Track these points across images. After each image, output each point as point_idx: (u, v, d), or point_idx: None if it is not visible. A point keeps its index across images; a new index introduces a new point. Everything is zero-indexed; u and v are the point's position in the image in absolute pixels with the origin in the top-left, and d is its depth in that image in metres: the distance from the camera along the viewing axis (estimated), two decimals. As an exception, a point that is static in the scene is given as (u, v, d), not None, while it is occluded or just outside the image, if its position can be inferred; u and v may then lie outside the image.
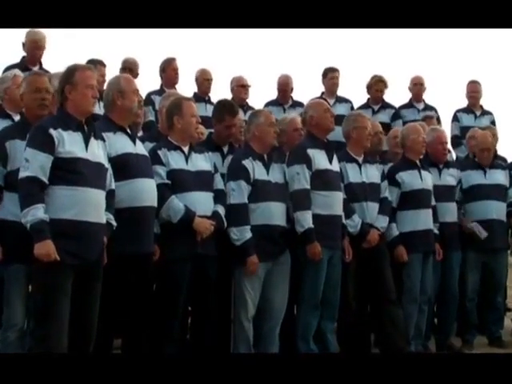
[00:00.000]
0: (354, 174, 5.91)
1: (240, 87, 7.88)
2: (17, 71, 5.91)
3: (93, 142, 4.32)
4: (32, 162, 4.10)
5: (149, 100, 7.32)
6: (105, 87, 5.19)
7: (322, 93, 8.30)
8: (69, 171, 4.15)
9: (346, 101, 8.28)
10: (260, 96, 8.43)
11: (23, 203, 4.09)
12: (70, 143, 4.19)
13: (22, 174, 4.12)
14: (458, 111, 8.51)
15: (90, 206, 4.19)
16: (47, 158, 4.12)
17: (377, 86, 8.29)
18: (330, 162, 5.68)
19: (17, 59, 7.18)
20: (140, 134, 5.64)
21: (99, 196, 4.28)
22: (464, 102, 8.59)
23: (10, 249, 4.43)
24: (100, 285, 4.31)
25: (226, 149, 5.71)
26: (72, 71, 4.32)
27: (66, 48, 9.28)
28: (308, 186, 5.51)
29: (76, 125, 4.27)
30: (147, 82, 7.76)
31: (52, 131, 4.15)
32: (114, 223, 4.42)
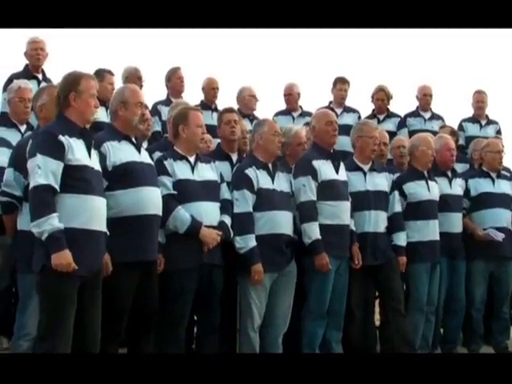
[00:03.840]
0: (357, 183, 5.88)
1: (251, 97, 7.90)
2: (22, 83, 5.91)
3: (92, 150, 4.31)
4: (44, 169, 4.03)
5: (155, 110, 7.31)
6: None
7: (330, 102, 8.33)
8: (78, 179, 4.12)
9: (354, 111, 8.31)
10: (268, 109, 8.44)
11: (37, 212, 4.00)
12: (77, 150, 4.17)
13: (36, 181, 4.02)
14: (464, 121, 8.47)
15: (96, 214, 4.18)
16: (58, 165, 4.07)
17: (377, 95, 8.36)
18: (337, 171, 5.67)
19: (15, 57, 7.24)
20: (145, 145, 5.64)
21: (103, 204, 4.27)
22: (469, 111, 8.55)
23: (27, 258, 4.33)
24: (100, 292, 4.27)
25: (235, 158, 5.73)
26: (77, 79, 4.29)
27: (63, 50, 9.20)
28: (314, 198, 5.51)
29: (78, 132, 4.24)
30: (153, 92, 7.75)
31: (61, 138, 4.12)
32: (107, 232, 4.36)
